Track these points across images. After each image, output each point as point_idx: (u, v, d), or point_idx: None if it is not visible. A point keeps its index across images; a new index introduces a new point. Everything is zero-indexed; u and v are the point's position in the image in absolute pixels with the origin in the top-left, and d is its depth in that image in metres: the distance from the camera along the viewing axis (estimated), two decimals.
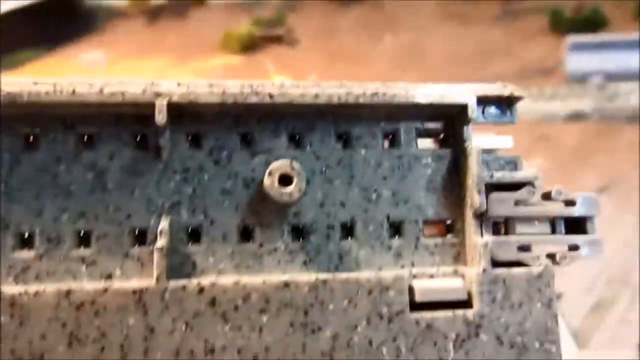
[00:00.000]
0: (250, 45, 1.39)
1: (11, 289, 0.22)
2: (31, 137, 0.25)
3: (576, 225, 0.27)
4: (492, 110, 0.28)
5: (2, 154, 0.24)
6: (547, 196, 0.27)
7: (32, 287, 0.22)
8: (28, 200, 0.24)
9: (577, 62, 1.15)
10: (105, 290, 0.22)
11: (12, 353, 0.22)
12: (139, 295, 0.23)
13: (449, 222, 0.27)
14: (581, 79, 1.13)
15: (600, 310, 0.68)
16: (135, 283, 0.23)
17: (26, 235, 0.24)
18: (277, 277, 0.24)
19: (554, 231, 0.27)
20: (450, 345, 0.24)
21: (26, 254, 0.24)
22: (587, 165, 0.88)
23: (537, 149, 0.86)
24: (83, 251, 0.24)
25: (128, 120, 0.25)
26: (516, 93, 0.27)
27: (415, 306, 0.25)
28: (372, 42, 1.37)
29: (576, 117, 1.02)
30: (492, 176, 0.26)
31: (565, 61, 1.18)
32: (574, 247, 0.26)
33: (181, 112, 0.25)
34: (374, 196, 0.27)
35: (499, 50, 1.24)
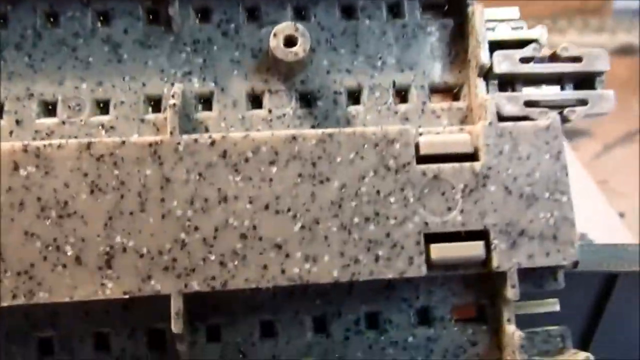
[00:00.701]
0: None
1: (37, 142, 0.23)
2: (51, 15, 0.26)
3: (587, 85, 0.27)
4: None
5: (26, 30, 0.26)
6: (553, 57, 0.27)
7: (56, 141, 0.24)
8: (50, 71, 0.26)
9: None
10: (123, 142, 0.24)
11: (39, 201, 0.23)
12: (154, 148, 0.24)
13: (455, 90, 0.28)
14: (629, 16, 1.07)
15: None
16: (151, 137, 0.24)
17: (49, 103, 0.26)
18: (285, 131, 0.25)
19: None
20: (459, 195, 0.25)
21: (50, 121, 0.25)
22: (638, 96, 0.85)
23: None
24: (102, 118, 0.26)
25: None
26: None
27: (422, 160, 0.25)
28: None
29: (624, 50, 0.97)
30: (495, 34, 0.26)
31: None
32: (582, 103, 0.26)
33: None
34: (379, 63, 0.27)
35: None
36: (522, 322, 0.26)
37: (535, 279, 0.26)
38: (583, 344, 0.32)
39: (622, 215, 0.58)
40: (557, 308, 0.26)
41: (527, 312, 0.26)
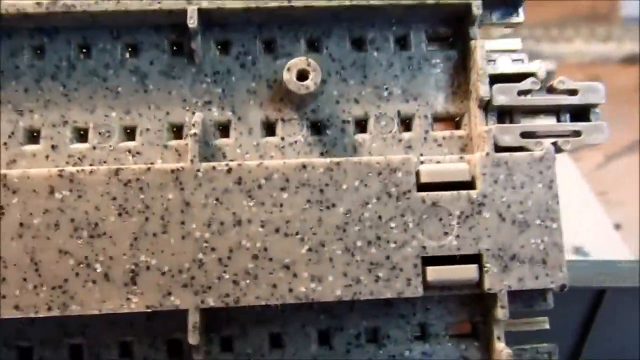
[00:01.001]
0: None
1: (71, 168, 0.26)
2: (84, 48, 0.29)
3: (582, 116, 0.29)
4: (499, 11, 0.29)
5: (61, 61, 0.28)
6: (551, 89, 0.29)
7: (88, 167, 0.26)
8: (83, 100, 0.28)
9: (633, 6, 1.09)
10: (149, 169, 0.26)
11: (72, 222, 0.26)
12: (176, 174, 0.26)
13: (457, 118, 0.30)
14: (637, 24, 1.07)
15: None
16: (173, 164, 0.26)
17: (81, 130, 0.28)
18: (295, 160, 0.27)
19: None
20: (455, 221, 0.27)
21: (82, 146, 0.28)
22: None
23: None
24: (129, 143, 0.28)
25: (166, 30, 0.29)
26: None
27: (422, 187, 0.27)
28: None
29: (631, 59, 0.98)
30: (495, 68, 0.28)
31: (620, 6, 1.12)
32: (577, 134, 0.28)
33: (211, 20, 0.28)
34: (385, 94, 0.29)
35: None
36: (515, 337, 0.28)
37: (525, 300, 0.28)
38: (573, 357, 0.34)
39: (618, 226, 0.59)
40: (547, 326, 0.28)
41: (518, 330, 0.28)
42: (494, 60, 0.29)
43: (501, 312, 0.26)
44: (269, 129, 0.29)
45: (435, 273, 0.26)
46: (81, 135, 0.28)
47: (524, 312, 0.28)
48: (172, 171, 0.26)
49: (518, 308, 0.27)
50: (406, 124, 0.29)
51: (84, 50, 0.29)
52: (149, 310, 0.25)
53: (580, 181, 0.57)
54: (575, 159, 0.70)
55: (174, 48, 0.29)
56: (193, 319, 0.25)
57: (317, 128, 0.29)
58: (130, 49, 0.29)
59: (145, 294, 0.25)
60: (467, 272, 0.26)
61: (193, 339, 0.25)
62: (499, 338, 0.27)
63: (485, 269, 0.26)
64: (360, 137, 0.29)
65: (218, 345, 0.27)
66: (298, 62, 0.27)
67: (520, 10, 0.29)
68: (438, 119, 0.29)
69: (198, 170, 0.26)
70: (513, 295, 0.27)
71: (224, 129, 0.29)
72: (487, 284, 0.26)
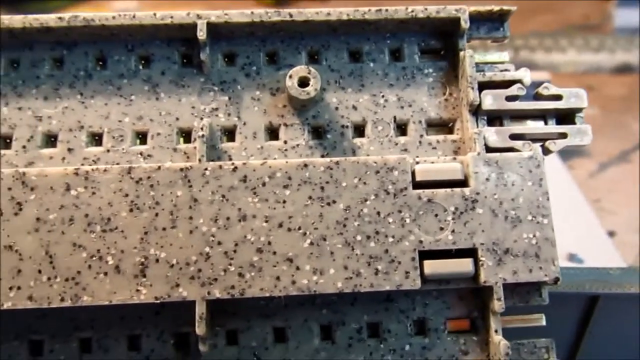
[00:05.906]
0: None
1: (86, 167, 0.28)
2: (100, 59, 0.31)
3: (568, 120, 0.30)
4: (485, 26, 0.32)
5: (79, 71, 0.30)
6: (537, 96, 0.30)
7: (102, 166, 0.28)
8: (98, 107, 0.30)
9: (626, 16, 1.11)
10: (159, 168, 0.28)
11: (86, 217, 0.27)
12: (185, 172, 0.28)
13: (450, 124, 0.31)
14: (630, 34, 1.10)
15: None
16: (182, 163, 0.28)
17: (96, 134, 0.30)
18: (297, 159, 0.28)
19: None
20: (450, 217, 0.28)
21: (96, 149, 0.30)
22: (636, 115, 0.88)
23: None
24: (141, 147, 0.30)
25: (176, 44, 0.31)
26: (506, 8, 0.31)
27: (418, 185, 0.28)
28: None
29: (623, 69, 1.00)
30: (484, 75, 0.30)
31: (613, 16, 1.14)
32: (563, 136, 0.30)
33: (218, 33, 0.30)
34: (381, 101, 0.31)
35: (541, 6, 1.16)
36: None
37: (522, 295, 0.29)
38: None
39: (612, 234, 0.61)
40: (543, 322, 0.29)
41: (516, 326, 0.29)
42: (483, 70, 0.31)
43: (497, 304, 0.27)
44: (273, 133, 0.31)
45: (432, 266, 0.27)
46: (96, 139, 0.30)
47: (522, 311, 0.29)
48: (181, 170, 0.28)
49: (515, 303, 0.28)
50: (402, 129, 0.31)
51: (100, 62, 0.31)
52: (158, 302, 0.26)
53: (575, 189, 0.58)
54: (570, 166, 0.71)
55: (184, 60, 0.31)
56: (200, 309, 0.26)
57: (317, 133, 0.31)
58: (143, 61, 0.31)
59: (154, 285, 0.26)
60: (463, 265, 0.27)
61: (200, 329, 0.26)
62: (496, 331, 0.28)
63: (481, 262, 0.27)
64: (358, 141, 0.30)
65: (224, 339, 0.28)
66: (300, 70, 0.29)
67: (506, 25, 0.32)
68: (432, 124, 0.31)
69: (205, 169, 0.28)
70: (509, 290, 0.28)
71: (230, 134, 0.30)
72: (483, 277, 0.27)
